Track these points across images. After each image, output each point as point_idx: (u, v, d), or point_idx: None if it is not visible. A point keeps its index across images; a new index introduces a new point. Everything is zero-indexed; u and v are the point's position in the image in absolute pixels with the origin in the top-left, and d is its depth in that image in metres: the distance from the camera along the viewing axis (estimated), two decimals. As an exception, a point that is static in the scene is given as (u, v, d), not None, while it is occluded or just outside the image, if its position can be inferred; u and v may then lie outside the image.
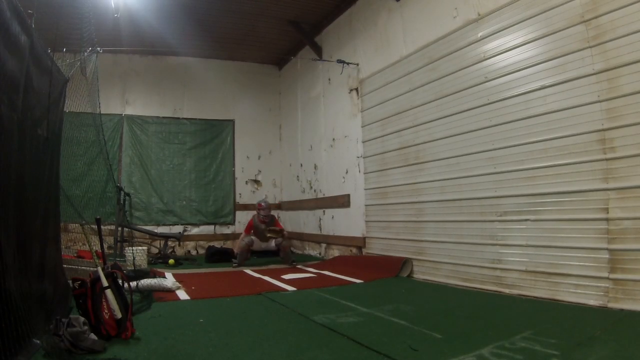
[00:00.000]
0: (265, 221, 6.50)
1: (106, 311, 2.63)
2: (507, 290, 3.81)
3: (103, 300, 2.66)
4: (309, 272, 5.60)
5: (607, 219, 3.12)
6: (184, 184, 8.47)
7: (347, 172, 6.65)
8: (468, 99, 4.34)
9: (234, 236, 8.68)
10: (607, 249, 3.10)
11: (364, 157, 6.19)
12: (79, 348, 2.27)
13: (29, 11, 2.61)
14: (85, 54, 4.42)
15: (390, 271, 5.06)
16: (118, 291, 2.76)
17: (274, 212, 9.09)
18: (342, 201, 6.73)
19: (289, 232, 8.85)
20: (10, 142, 2.21)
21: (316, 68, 7.62)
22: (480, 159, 4.18)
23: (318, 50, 7.53)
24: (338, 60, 6.53)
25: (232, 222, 8.74)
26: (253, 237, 6.39)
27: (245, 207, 8.86)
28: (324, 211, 7.41)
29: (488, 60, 4.13)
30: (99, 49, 4.91)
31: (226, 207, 8.74)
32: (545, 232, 3.54)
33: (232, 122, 8.95)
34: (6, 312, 1.98)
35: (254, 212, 6.81)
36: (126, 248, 6.02)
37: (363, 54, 6.29)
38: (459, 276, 4.38)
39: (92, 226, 3.64)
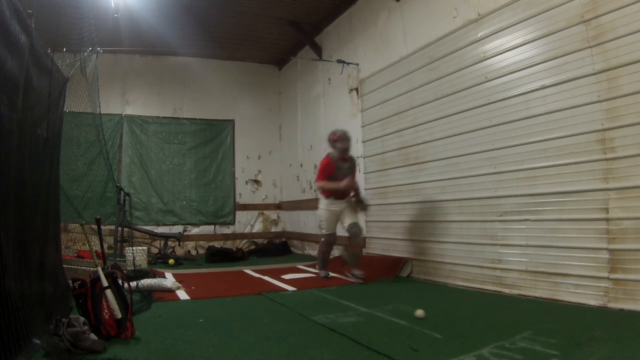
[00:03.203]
0: (346, 158, 4.92)
1: (106, 311, 2.63)
2: (507, 290, 3.80)
3: (103, 300, 2.66)
4: (309, 272, 5.60)
5: (607, 219, 3.12)
6: (184, 184, 8.47)
7: (347, 172, 6.64)
8: (468, 99, 4.34)
9: (234, 236, 8.68)
10: (607, 249, 3.09)
11: (364, 157, 6.18)
12: (79, 348, 2.27)
13: (29, 11, 2.61)
14: (85, 54, 4.42)
15: (390, 271, 5.06)
16: (118, 291, 2.76)
17: (273, 212, 9.14)
18: (342, 201, 6.71)
19: (289, 232, 8.88)
20: (10, 142, 2.21)
21: (316, 68, 7.62)
22: (480, 159, 4.18)
23: (318, 50, 7.53)
24: (338, 60, 6.52)
25: (232, 222, 8.74)
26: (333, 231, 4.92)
27: (245, 207, 8.86)
28: (324, 211, 7.40)
29: (488, 60, 4.13)
30: (99, 49, 4.90)
31: (226, 207, 8.74)
32: (545, 232, 3.54)
33: (232, 122, 8.95)
34: (6, 312, 1.98)
35: (329, 152, 5.01)
36: (126, 248, 6.02)
37: (363, 54, 6.29)
38: (459, 276, 4.38)
39: (92, 226, 3.64)
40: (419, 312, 3.02)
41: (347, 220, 4.79)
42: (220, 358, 2.31)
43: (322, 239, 5.02)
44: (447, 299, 3.86)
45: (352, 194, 4.91)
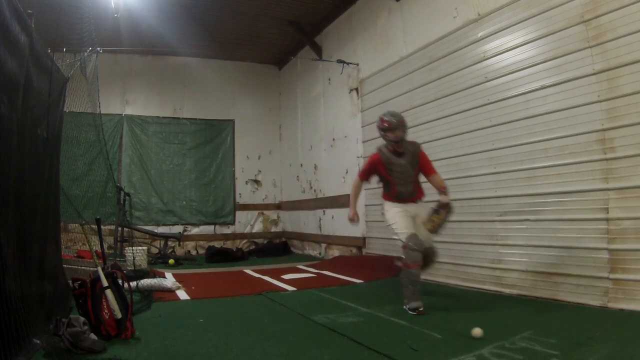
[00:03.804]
0: (401, 151, 3.47)
1: (106, 311, 2.64)
2: (507, 290, 3.80)
3: (103, 300, 2.66)
4: (309, 272, 5.60)
5: (607, 219, 3.12)
6: (184, 184, 8.47)
7: (347, 172, 6.65)
8: (468, 99, 4.34)
9: (234, 236, 8.68)
10: (607, 249, 3.09)
11: (364, 157, 6.18)
12: (79, 348, 2.27)
13: (29, 11, 2.62)
14: (85, 54, 4.42)
15: (390, 271, 5.05)
16: (118, 291, 2.76)
17: (273, 212, 9.14)
18: (342, 201, 6.71)
19: (289, 232, 8.88)
20: (10, 142, 2.21)
21: (316, 68, 7.62)
22: (480, 159, 4.18)
23: (318, 50, 7.53)
24: (338, 60, 6.53)
25: (232, 222, 8.74)
26: (416, 249, 3.32)
27: (245, 207, 8.86)
28: (324, 211, 7.41)
29: (488, 60, 4.13)
30: (99, 49, 4.91)
31: (226, 207, 8.74)
32: (545, 232, 3.54)
33: (232, 122, 8.95)
34: (6, 312, 1.98)
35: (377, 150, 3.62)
36: (126, 248, 6.02)
37: (363, 54, 6.29)
38: (459, 276, 4.38)
39: (92, 226, 3.64)
40: (477, 331, 2.46)
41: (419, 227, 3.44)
42: (220, 358, 2.31)
43: (402, 248, 3.42)
44: (447, 299, 3.85)
45: (443, 200, 3.40)
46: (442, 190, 3.44)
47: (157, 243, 7.64)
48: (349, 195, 6.45)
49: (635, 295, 2.91)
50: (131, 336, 2.62)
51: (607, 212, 3.11)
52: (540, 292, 3.52)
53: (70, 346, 2.24)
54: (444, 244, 4.59)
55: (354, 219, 3.67)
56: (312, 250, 7.92)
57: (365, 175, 3.67)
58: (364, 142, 6.19)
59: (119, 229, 6.47)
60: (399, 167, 3.47)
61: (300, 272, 5.61)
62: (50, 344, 2.24)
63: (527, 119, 3.71)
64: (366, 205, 6.10)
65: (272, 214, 9.13)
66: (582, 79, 3.28)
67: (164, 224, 8.15)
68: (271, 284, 4.76)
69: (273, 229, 9.08)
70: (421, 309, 3.18)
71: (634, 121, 2.96)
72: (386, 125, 3.42)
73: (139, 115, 8.33)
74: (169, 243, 7.54)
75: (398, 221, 3.49)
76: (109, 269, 2.80)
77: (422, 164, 3.50)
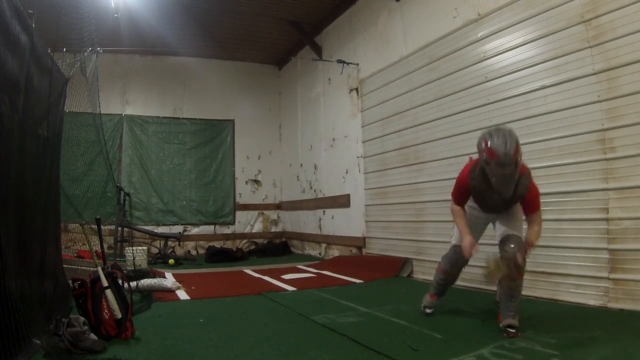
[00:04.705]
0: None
1: (106, 311, 2.64)
2: (507, 290, 3.80)
3: (103, 300, 2.66)
4: (309, 272, 5.60)
5: (607, 219, 3.12)
6: (184, 184, 8.47)
7: (347, 172, 6.65)
8: (468, 99, 4.34)
9: (234, 236, 8.68)
10: (607, 249, 3.09)
11: (364, 157, 6.18)
12: (79, 348, 2.27)
13: (30, 11, 2.62)
14: (85, 54, 4.42)
15: (390, 271, 5.06)
16: (118, 291, 2.76)
17: (273, 212, 9.14)
18: (342, 201, 6.73)
19: (289, 232, 8.88)
20: (11, 142, 2.21)
21: (316, 68, 7.62)
22: (480, 159, 4.18)
23: (318, 50, 7.53)
24: (338, 60, 6.53)
25: (232, 222, 8.74)
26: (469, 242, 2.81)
27: (245, 207, 8.86)
28: (324, 211, 7.41)
29: (488, 60, 4.13)
30: (99, 49, 4.91)
31: (226, 207, 8.74)
32: (545, 232, 3.50)
33: (232, 122, 8.95)
34: (6, 312, 1.98)
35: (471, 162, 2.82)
36: (126, 248, 6.02)
37: (363, 54, 6.29)
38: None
39: (92, 226, 3.64)
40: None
41: (501, 228, 2.87)
42: (220, 358, 2.31)
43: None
44: (447, 299, 3.85)
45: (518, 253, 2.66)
46: (529, 244, 2.64)
47: (157, 243, 7.63)
48: (349, 195, 6.56)
49: (635, 295, 2.91)
50: (131, 336, 2.62)
51: (607, 212, 3.12)
52: (540, 292, 3.52)
53: (70, 346, 2.24)
54: (445, 244, 4.59)
55: (469, 250, 2.83)
56: (312, 250, 7.92)
57: (458, 200, 2.93)
58: (364, 142, 6.19)
59: (119, 229, 6.48)
60: (488, 199, 2.73)
61: (300, 272, 5.61)
62: (50, 344, 2.24)
63: (527, 119, 3.70)
64: (366, 206, 6.10)
65: (272, 214, 9.13)
66: (582, 79, 3.28)
67: (164, 224, 8.15)
68: (271, 284, 4.76)
69: (273, 229, 9.08)
70: (428, 310, 3.22)
71: (634, 121, 2.96)
72: (493, 159, 2.43)
73: (139, 115, 8.33)
74: (169, 243, 7.54)
75: (457, 230, 3.02)
76: (109, 269, 2.80)
77: (526, 203, 2.69)
